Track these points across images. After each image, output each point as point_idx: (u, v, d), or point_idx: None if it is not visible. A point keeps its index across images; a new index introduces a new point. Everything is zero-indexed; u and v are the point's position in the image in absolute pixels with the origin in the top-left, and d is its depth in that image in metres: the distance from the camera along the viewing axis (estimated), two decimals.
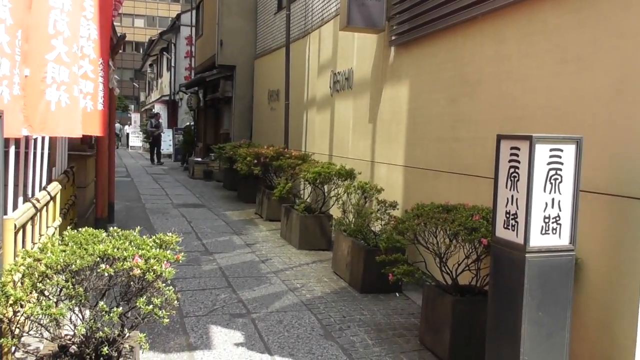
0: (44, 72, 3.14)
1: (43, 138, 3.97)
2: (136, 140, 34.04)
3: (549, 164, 2.97)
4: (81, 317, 2.66)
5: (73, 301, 2.40)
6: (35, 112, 3.07)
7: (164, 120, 26.24)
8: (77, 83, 3.49)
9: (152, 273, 2.47)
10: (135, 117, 39.48)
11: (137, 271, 2.43)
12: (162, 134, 22.38)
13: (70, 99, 3.32)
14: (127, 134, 35.77)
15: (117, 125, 22.37)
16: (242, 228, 8.54)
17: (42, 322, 2.39)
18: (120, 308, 2.50)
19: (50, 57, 3.16)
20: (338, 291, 5.42)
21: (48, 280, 2.34)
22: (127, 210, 9.70)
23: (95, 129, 4.69)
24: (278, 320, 4.54)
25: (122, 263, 2.45)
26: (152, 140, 21.72)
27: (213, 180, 15.44)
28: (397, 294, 5.32)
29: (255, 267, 6.22)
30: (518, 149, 3.04)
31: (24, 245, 3.28)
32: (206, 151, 17.75)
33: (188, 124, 22.66)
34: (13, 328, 2.46)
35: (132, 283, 2.51)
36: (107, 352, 2.46)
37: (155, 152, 21.63)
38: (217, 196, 12.27)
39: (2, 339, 2.45)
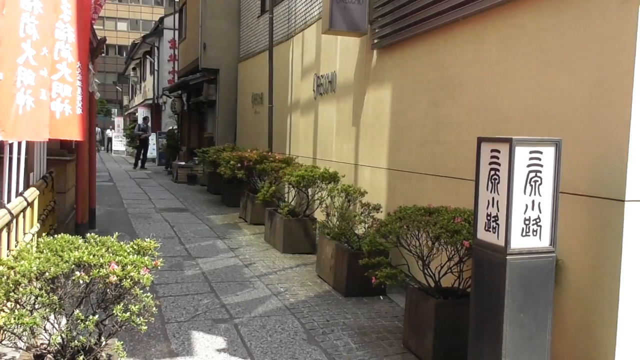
0: (14, 76, 3.08)
1: (19, 143, 3.90)
2: (119, 144, 33.72)
3: (528, 166, 2.99)
4: (57, 325, 2.61)
5: (47, 309, 2.34)
6: (8, 116, 3.01)
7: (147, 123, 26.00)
8: (46, 87, 3.42)
9: (129, 280, 2.42)
10: (118, 121, 39.10)
11: (113, 278, 2.39)
12: (149, 137, 22.18)
13: (36, 102, 3.26)
14: (110, 138, 35.39)
15: (97, 129, 22.08)
16: (226, 232, 8.48)
17: (14, 332, 2.33)
18: (97, 316, 2.45)
19: (20, 61, 3.11)
20: (322, 295, 5.40)
21: (21, 289, 2.28)
22: (109, 216, 9.58)
23: (74, 134, 4.62)
24: (261, 325, 4.50)
25: (97, 270, 2.40)
26: (140, 143, 21.49)
27: (197, 184, 15.32)
28: (382, 297, 5.31)
29: (238, 272, 6.17)
30: (498, 151, 3.05)
31: None
32: (190, 155, 17.62)
33: (171, 127, 22.49)
34: None
35: (108, 290, 2.46)
36: None
37: (140, 155, 21.41)
38: (200, 200, 12.18)
39: None
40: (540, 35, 3.97)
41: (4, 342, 2.49)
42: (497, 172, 3.06)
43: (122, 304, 2.49)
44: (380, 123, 6.60)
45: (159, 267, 2.71)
